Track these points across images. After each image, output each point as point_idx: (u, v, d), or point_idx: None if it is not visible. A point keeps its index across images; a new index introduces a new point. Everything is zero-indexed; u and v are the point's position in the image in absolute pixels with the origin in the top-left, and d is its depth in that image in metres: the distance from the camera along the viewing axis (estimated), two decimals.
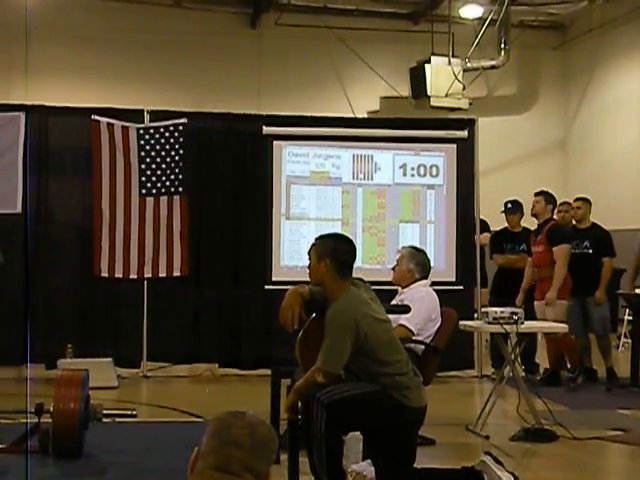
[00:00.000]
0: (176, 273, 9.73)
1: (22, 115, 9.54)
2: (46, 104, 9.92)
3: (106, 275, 9.64)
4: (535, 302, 9.26)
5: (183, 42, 12.86)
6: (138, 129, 9.78)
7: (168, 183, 9.73)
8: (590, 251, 9.53)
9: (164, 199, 9.74)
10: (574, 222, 9.82)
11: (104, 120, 9.70)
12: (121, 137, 9.72)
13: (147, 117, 9.91)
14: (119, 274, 9.65)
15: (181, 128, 9.79)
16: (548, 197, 9.49)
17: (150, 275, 9.72)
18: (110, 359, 9.25)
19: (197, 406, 7.74)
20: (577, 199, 9.93)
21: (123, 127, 9.74)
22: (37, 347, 9.50)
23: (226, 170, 10.15)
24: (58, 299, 9.84)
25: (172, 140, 9.76)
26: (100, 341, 9.74)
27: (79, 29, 12.17)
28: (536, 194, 9.55)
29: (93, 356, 9.09)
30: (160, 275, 9.73)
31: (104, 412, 5.88)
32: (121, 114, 9.86)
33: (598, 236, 9.62)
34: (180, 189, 9.74)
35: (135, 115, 9.90)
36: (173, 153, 9.75)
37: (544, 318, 8.81)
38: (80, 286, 9.89)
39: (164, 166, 9.74)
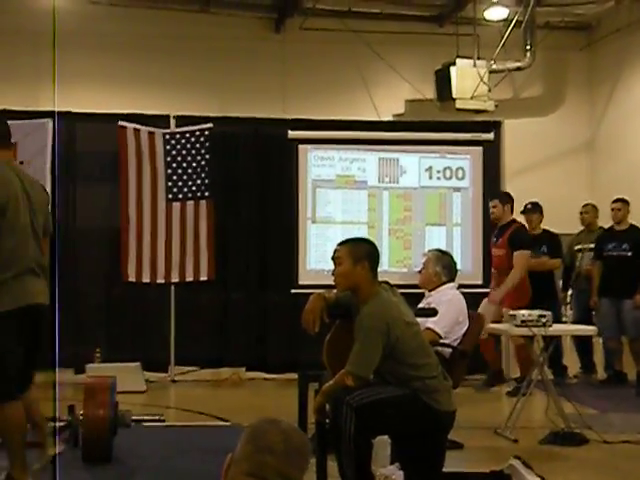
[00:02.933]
0: (203, 277, 9.76)
1: (50, 122, 9.60)
2: (73, 110, 9.98)
3: (133, 280, 9.68)
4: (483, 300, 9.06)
5: (208, 47, 12.89)
6: (164, 134, 9.82)
7: (194, 188, 9.76)
8: (629, 253, 9.38)
9: (190, 204, 9.77)
10: (613, 224, 9.62)
11: (131, 126, 9.75)
12: (147, 142, 9.76)
13: (173, 122, 9.96)
14: (146, 279, 9.69)
15: (207, 133, 9.82)
16: (504, 198, 9.23)
17: (177, 280, 9.76)
18: (138, 363, 9.30)
19: (224, 410, 7.75)
20: (616, 200, 9.68)
21: (149, 132, 9.78)
22: (66, 352, 9.52)
23: (252, 174, 10.18)
24: (86, 304, 9.90)
25: (198, 145, 9.80)
26: (128, 345, 9.79)
27: (106, 36, 12.22)
28: (492, 197, 9.35)
29: (121, 360, 9.13)
30: (187, 279, 9.76)
31: (132, 418, 5.91)
32: (147, 120, 9.92)
33: (638, 238, 9.47)
34: (206, 194, 9.77)
35: (161, 120, 9.95)
36: (199, 158, 9.78)
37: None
38: (108, 291, 9.95)
39: (190, 171, 9.78)
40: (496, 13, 13.40)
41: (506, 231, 9.01)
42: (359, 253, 4.79)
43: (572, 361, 9.85)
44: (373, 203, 10.22)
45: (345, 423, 4.42)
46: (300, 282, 9.92)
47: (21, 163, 9.48)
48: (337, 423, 4.49)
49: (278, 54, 13.41)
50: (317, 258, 9.99)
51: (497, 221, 9.14)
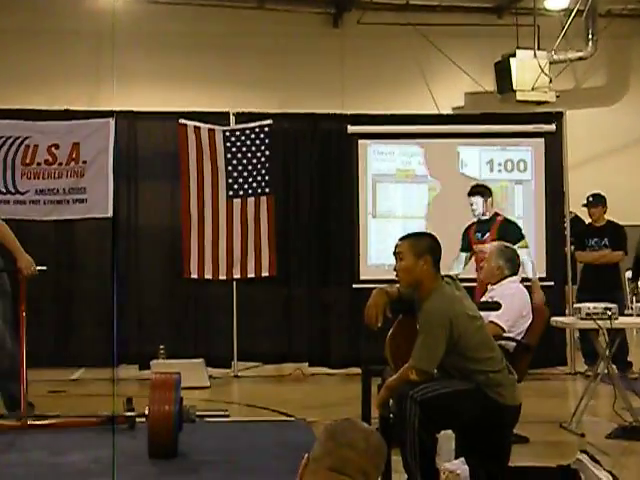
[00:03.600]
0: (265, 273, 9.79)
1: (111, 121, 9.71)
2: (134, 109, 10.09)
3: (196, 277, 9.74)
4: None
5: (267, 44, 12.93)
6: (224, 131, 9.87)
7: (255, 184, 9.79)
8: None
9: (251, 200, 9.80)
10: None
11: (191, 124, 9.81)
12: (208, 140, 9.81)
13: (233, 119, 10.01)
14: (208, 275, 9.75)
15: (267, 129, 9.84)
16: (484, 191, 8.46)
17: (239, 276, 9.80)
18: (201, 359, 9.36)
19: (288, 405, 7.78)
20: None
21: (210, 130, 9.83)
22: (130, 348, 9.67)
23: (312, 170, 10.19)
24: (150, 301, 10.00)
25: (258, 141, 9.82)
26: (191, 342, 9.87)
27: (164, 34, 12.33)
28: (470, 193, 8.43)
29: (185, 357, 9.21)
30: (249, 276, 9.80)
31: (197, 413, 5.96)
32: (207, 117, 9.97)
33: None
34: (267, 190, 9.80)
35: (221, 118, 10.01)
36: (259, 154, 9.81)
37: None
38: (171, 288, 10.03)
39: (250, 167, 9.81)
40: (556, 2, 13.25)
41: (492, 225, 8.34)
42: (421, 248, 4.76)
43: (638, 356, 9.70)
44: (433, 197, 10.16)
45: (409, 417, 4.40)
46: (361, 277, 9.92)
47: (84, 162, 9.63)
48: (401, 417, 4.48)
49: (336, 49, 13.41)
50: (378, 253, 9.97)
51: (482, 216, 8.37)
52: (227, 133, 9.87)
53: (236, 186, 9.82)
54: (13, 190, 9.55)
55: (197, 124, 9.83)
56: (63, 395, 8.55)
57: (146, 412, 5.74)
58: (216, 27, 12.64)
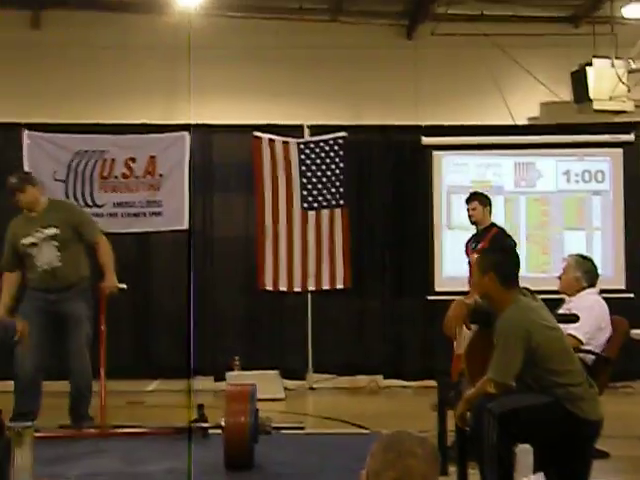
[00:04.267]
0: (339, 285, 9.80)
1: (187, 134, 9.83)
2: (209, 122, 10.18)
3: (270, 288, 9.79)
4: None
5: (340, 56, 12.92)
6: (299, 144, 9.92)
7: (329, 196, 9.81)
8: None
9: (326, 212, 9.83)
10: None
11: (265, 136, 9.88)
12: (282, 152, 9.87)
13: (307, 132, 10.05)
14: (283, 287, 9.79)
15: (341, 141, 9.87)
16: (484, 199, 8.23)
17: (313, 288, 9.83)
18: (276, 371, 9.39)
19: (363, 418, 7.76)
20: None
21: (284, 142, 9.89)
22: (205, 360, 9.73)
23: (386, 181, 10.18)
24: (225, 313, 10.07)
25: (332, 154, 9.85)
26: (266, 353, 9.90)
27: (239, 48, 12.39)
28: (469, 199, 8.18)
29: (260, 368, 9.24)
30: (323, 287, 9.82)
31: (273, 425, 5.96)
32: (281, 130, 10.03)
33: None
34: (341, 202, 9.81)
35: (295, 130, 10.06)
36: (333, 166, 9.83)
37: None
38: (246, 299, 10.09)
39: (325, 180, 9.84)
40: (634, 11, 13.03)
41: (486, 235, 8.08)
42: (485, 264, 4.76)
43: None
44: (510, 208, 10.07)
45: (487, 431, 4.35)
46: (436, 289, 9.87)
47: (160, 176, 9.76)
48: (479, 431, 4.43)
49: (410, 60, 13.36)
50: (453, 265, 9.89)
51: (477, 225, 8.12)
52: (301, 145, 9.92)
53: (310, 198, 9.85)
54: (91, 203, 9.71)
55: (272, 137, 9.90)
56: (140, 406, 8.64)
57: (222, 423, 5.76)
58: (290, 40, 12.69)
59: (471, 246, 8.16)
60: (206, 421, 6.55)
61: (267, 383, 8.61)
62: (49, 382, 7.26)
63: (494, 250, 5.00)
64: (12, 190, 7.24)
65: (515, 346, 4.49)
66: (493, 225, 8.23)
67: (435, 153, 10.11)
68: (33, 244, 7.11)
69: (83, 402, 7.06)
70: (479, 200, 8.07)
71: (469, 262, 8.05)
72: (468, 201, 8.14)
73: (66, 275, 7.09)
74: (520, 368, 4.50)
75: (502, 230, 8.29)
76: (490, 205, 8.19)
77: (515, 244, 8.15)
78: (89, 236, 7.22)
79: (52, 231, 7.10)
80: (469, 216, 8.10)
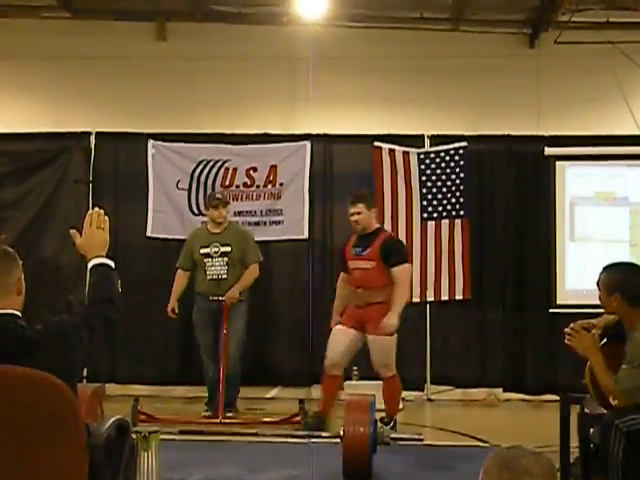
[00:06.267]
0: (458, 296, 9.72)
1: (307, 144, 9.92)
2: (329, 132, 10.24)
3: None
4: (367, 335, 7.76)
5: (460, 65, 12.82)
6: (419, 154, 9.89)
7: (449, 207, 9.75)
8: None
9: (445, 223, 9.77)
10: None
11: (386, 146, 9.89)
12: (402, 162, 9.86)
13: (427, 142, 10.01)
14: None
15: (461, 151, 9.80)
16: (370, 201, 7.81)
17: (432, 298, 9.77)
18: None
19: (481, 431, 7.67)
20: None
21: (404, 152, 9.88)
22: (320, 369, 9.75)
23: (507, 192, 10.06)
24: None
25: (453, 164, 9.79)
26: None
27: (358, 57, 12.42)
28: (354, 202, 7.71)
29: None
30: (442, 298, 9.75)
31: (391, 436, 5.95)
32: (402, 140, 10.02)
33: None
34: (462, 212, 9.74)
35: (416, 140, 10.03)
36: (454, 177, 9.77)
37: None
38: None
39: (445, 190, 9.78)
40: None
41: (374, 241, 7.65)
42: (611, 284, 4.70)
43: None
44: (635, 220, 9.83)
45: (613, 448, 4.25)
46: (558, 302, 9.69)
47: (281, 185, 9.86)
48: (605, 448, 4.33)
49: (532, 69, 13.17)
50: (576, 277, 9.71)
51: (363, 229, 7.70)
52: (422, 155, 9.88)
53: (430, 208, 9.80)
54: None
55: (392, 147, 9.91)
56: (259, 413, 8.72)
57: (341, 433, 5.78)
58: (410, 49, 12.66)
59: (354, 252, 7.77)
60: (306, 414, 7.29)
61: None
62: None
63: (618, 269, 4.87)
64: (216, 203, 8.48)
65: None
66: (380, 229, 7.94)
67: (558, 163, 9.95)
68: (208, 255, 8.43)
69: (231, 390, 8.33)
70: (365, 203, 7.69)
71: (346, 269, 7.86)
72: (353, 204, 7.71)
73: (228, 288, 8.39)
74: None
75: (392, 236, 8.15)
76: (375, 207, 7.92)
77: (407, 252, 8.07)
78: (248, 258, 8.53)
79: (227, 249, 8.44)
80: (354, 221, 7.71)
